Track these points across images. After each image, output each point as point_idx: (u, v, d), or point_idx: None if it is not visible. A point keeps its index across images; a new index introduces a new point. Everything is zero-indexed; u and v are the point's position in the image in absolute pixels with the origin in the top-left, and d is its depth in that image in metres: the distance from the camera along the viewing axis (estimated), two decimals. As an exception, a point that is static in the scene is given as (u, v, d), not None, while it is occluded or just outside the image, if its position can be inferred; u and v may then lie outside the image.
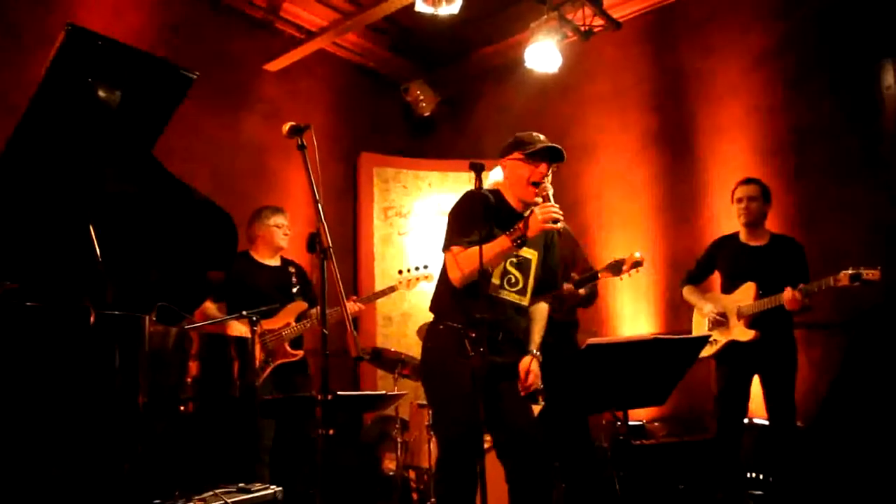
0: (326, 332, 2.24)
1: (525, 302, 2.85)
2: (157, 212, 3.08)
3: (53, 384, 2.30)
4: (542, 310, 2.97)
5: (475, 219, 2.67)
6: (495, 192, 2.84)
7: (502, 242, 2.58)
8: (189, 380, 3.09)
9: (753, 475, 4.20)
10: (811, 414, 4.37)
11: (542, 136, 2.79)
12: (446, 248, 2.76)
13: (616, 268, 3.50)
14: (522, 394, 2.80)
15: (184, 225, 3.14)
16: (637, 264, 3.47)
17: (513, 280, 2.79)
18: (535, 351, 2.85)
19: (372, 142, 6.15)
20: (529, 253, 2.83)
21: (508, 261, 2.77)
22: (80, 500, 2.45)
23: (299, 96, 5.72)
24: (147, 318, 2.55)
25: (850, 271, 3.53)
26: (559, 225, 2.53)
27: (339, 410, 3.23)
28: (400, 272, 4.34)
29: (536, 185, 2.69)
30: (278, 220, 4.15)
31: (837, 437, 4.29)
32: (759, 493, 4.15)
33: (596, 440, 3.90)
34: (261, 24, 5.52)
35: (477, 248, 2.56)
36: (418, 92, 6.02)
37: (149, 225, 3.08)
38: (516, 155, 2.77)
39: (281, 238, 4.14)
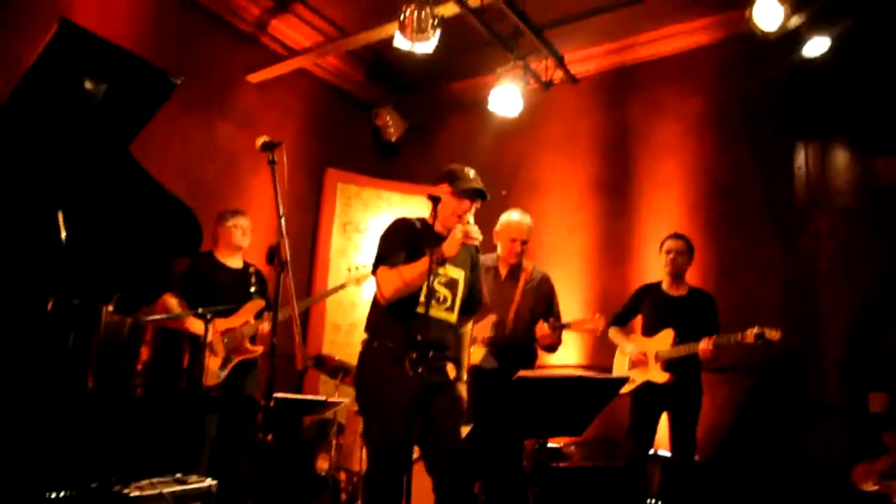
0: (275, 342, 2.19)
1: (453, 319, 2.85)
2: (126, 204, 2.99)
3: (4, 363, 2.20)
4: (467, 333, 2.99)
5: (401, 243, 2.71)
6: (422, 220, 2.85)
7: (425, 262, 2.59)
8: (139, 368, 2.99)
9: (653, 501, 4.29)
10: (710, 449, 4.50)
11: (472, 174, 2.82)
12: (374, 269, 2.76)
13: (583, 325, 3.63)
14: None
15: (151, 219, 3.06)
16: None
17: (441, 298, 2.80)
18: (463, 376, 2.87)
19: (339, 159, 6.08)
20: (456, 273, 2.85)
21: (437, 280, 2.76)
22: (20, 474, 2.35)
23: (274, 109, 5.62)
24: (104, 308, 2.47)
25: (755, 330, 3.69)
26: (475, 241, 2.64)
27: (279, 414, 3.17)
28: (349, 270, 4.33)
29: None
30: (237, 220, 4.07)
31: (730, 471, 4.44)
32: (658, 517, 4.25)
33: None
34: (247, 37, 5.42)
35: (401, 268, 2.62)
36: (387, 117, 6.00)
37: (117, 216, 2.99)
38: (445, 188, 2.79)
39: (239, 238, 4.06)
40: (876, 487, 3.73)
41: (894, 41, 4.38)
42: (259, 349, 3.89)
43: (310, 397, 4.28)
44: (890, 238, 4.45)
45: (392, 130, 6.03)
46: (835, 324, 4.54)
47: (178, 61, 4.55)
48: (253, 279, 4.07)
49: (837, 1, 4.23)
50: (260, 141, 2.49)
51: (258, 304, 3.97)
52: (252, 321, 3.90)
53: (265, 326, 3.80)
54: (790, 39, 4.29)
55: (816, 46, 4.31)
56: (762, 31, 4.05)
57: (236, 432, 3.70)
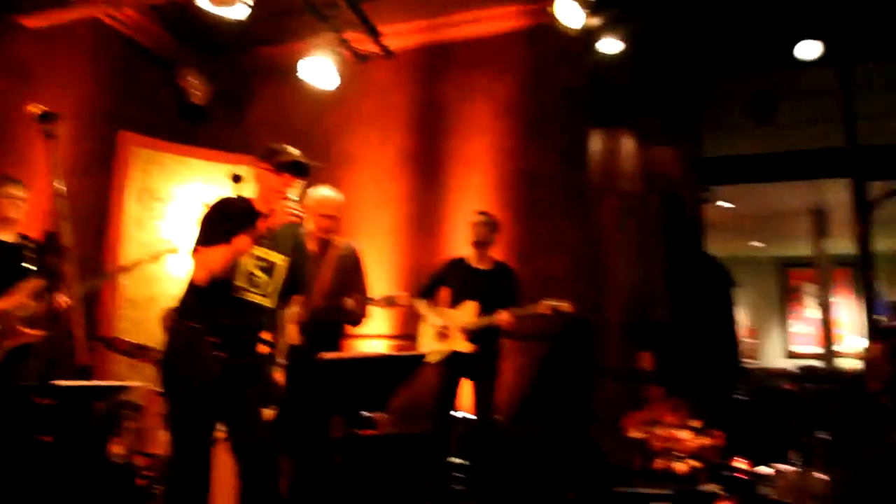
0: (53, 332, 2.02)
1: (269, 304, 2.80)
2: None
3: None
4: (288, 317, 2.98)
5: (222, 222, 2.64)
6: (246, 200, 2.80)
7: (241, 239, 2.56)
8: None
9: (457, 461, 4.60)
10: (511, 410, 4.90)
11: (294, 151, 2.79)
12: (193, 250, 2.67)
13: (390, 301, 3.86)
14: None
15: None
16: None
17: (257, 282, 2.75)
18: (279, 360, 2.87)
19: (138, 122, 5.55)
20: (277, 257, 2.80)
21: (254, 264, 2.72)
22: None
23: (58, 62, 4.95)
24: None
25: (550, 302, 4.09)
26: (295, 218, 2.61)
27: (63, 404, 2.93)
28: (146, 245, 4.17)
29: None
30: (6, 189, 3.64)
31: (528, 427, 4.89)
32: (462, 475, 4.56)
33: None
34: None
35: (217, 247, 2.56)
36: (192, 79, 5.61)
37: None
38: (266, 165, 2.76)
39: (8, 209, 3.63)
40: (640, 434, 4.34)
41: (676, 42, 4.98)
42: (37, 333, 3.51)
43: (99, 383, 3.97)
44: (661, 221, 5.10)
45: (198, 92, 5.66)
46: (616, 296, 5.14)
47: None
48: (29, 254, 3.65)
49: (628, 7, 4.70)
50: (36, 111, 2.23)
51: (36, 283, 3.56)
52: (28, 302, 3.51)
53: (43, 308, 3.45)
54: (590, 34, 4.69)
55: (610, 45, 4.77)
56: (564, 27, 4.39)
57: (7, 430, 3.34)
